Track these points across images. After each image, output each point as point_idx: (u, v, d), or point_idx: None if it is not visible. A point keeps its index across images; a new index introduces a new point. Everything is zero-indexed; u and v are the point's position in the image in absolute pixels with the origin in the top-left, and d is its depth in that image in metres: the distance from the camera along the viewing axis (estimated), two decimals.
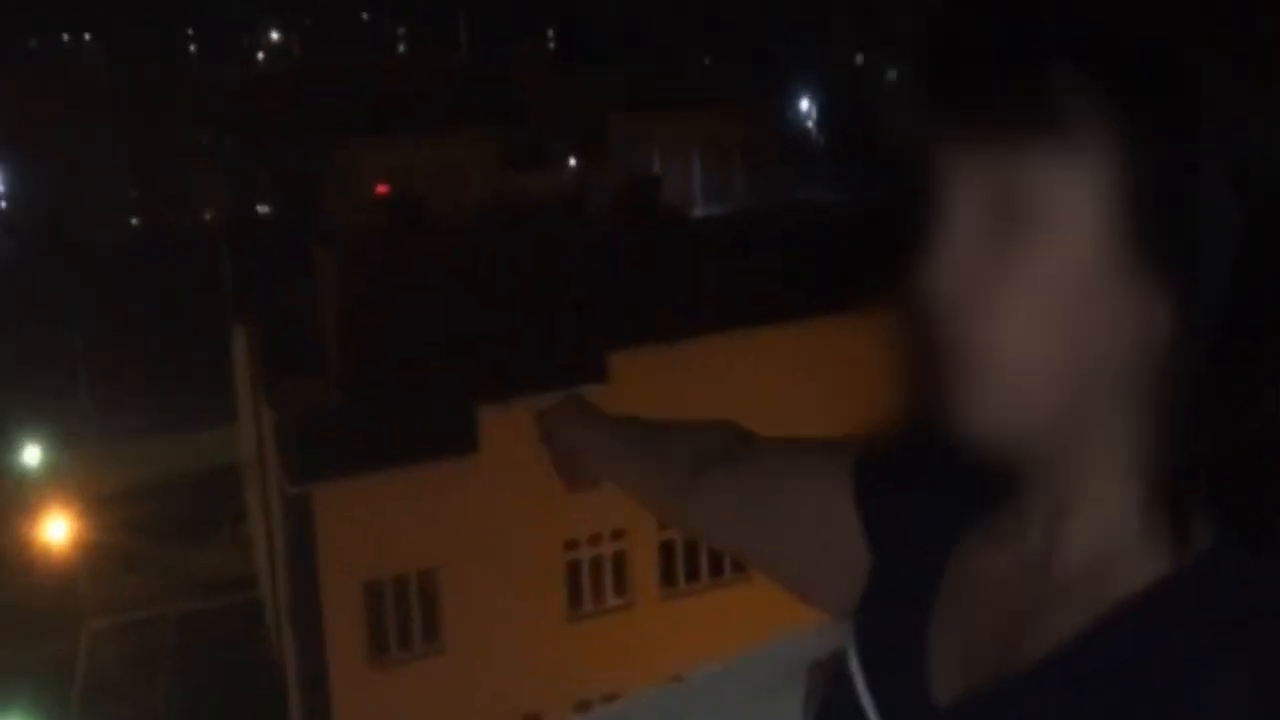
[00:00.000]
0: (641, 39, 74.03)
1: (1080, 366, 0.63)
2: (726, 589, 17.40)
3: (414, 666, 15.84)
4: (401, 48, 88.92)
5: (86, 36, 78.93)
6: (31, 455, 33.24)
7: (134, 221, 57.08)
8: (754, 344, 17.69)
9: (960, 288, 0.65)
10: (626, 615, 16.80)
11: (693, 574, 17.28)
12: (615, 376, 17.04)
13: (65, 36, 79.57)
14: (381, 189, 47.08)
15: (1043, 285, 0.63)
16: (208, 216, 54.05)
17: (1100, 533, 0.66)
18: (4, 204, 59.66)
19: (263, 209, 53.41)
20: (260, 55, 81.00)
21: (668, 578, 17.20)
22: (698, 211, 42.90)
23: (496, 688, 15.96)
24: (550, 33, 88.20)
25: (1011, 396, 0.65)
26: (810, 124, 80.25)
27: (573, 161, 48.79)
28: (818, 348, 17.83)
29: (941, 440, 0.68)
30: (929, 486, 0.78)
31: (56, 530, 28.64)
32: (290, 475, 15.94)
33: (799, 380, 17.55)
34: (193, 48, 79.03)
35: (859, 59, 79.28)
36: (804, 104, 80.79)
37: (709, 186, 48.08)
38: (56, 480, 30.91)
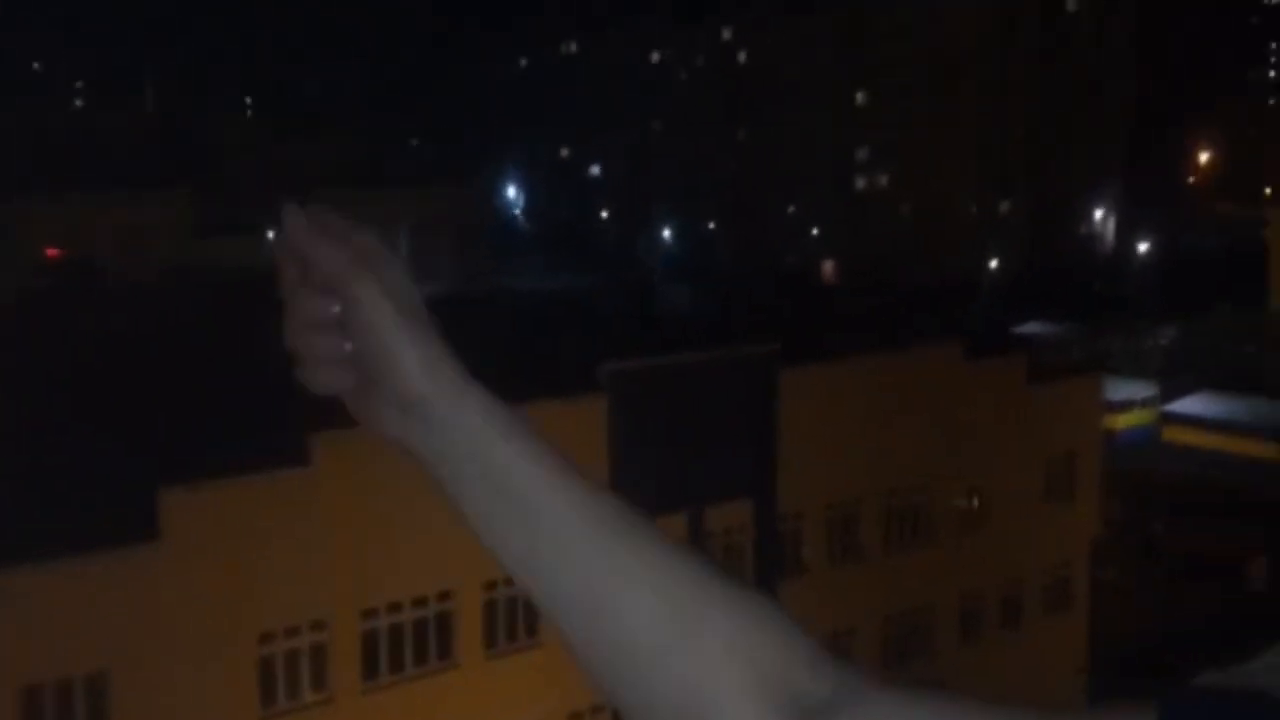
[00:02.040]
0: (350, 114, 72.93)
1: None
2: (431, 679, 16.85)
3: None
4: (79, 102, 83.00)
5: None
6: None
7: None
8: None
9: None
10: (325, 712, 15.85)
11: (396, 665, 16.62)
12: (317, 460, 16.31)
13: None
14: (52, 252, 43.17)
15: None
16: None
17: None
18: None
19: None
20: None
21: (370, 670, 16.44)
22: None
23: None
24: (249, 100, 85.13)
25: None
26: (517, 212, 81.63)
27: (271, 234, 46.88)
28: None
29: None
30: None
31: None
32: None
33: None
34: None
35: (564, 152, 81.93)
36: (511, 191, 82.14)
37: (417, 267, 47.48)
38: None
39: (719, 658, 0.72)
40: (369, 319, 0.80)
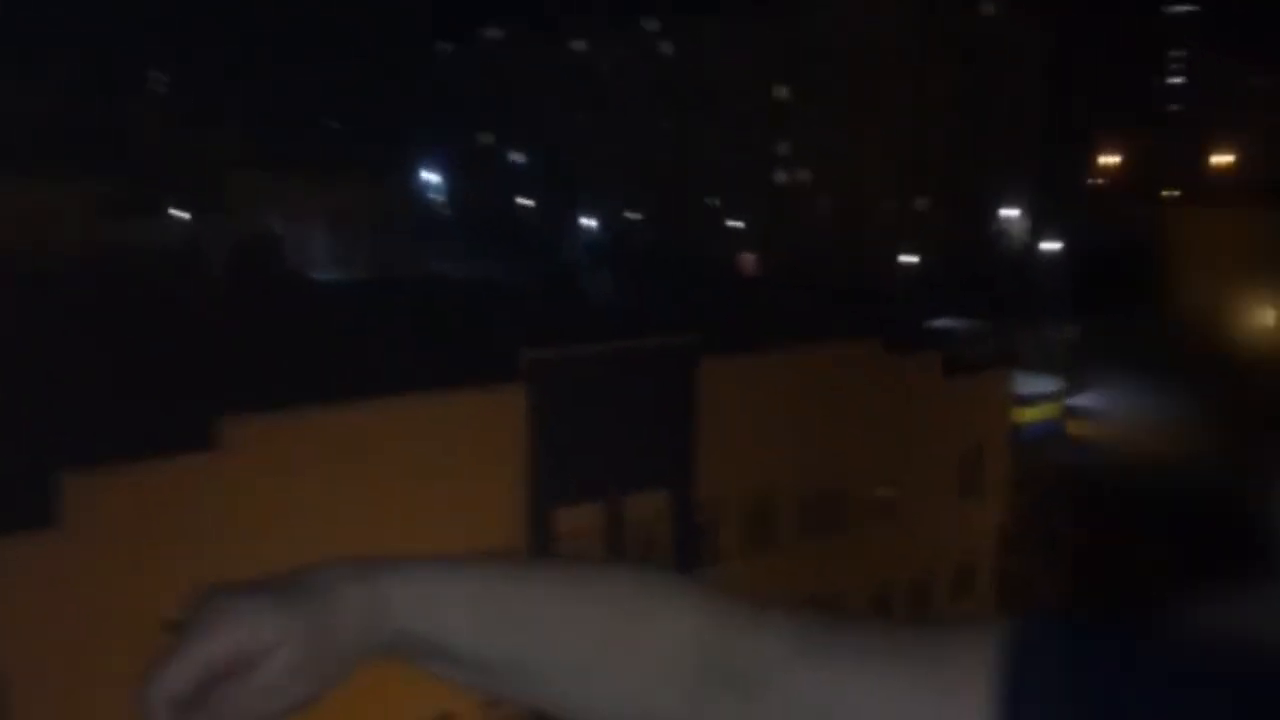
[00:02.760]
0: (265, 96, 71.36)
1: None
2: None
3: None
4: None
5: None
6: None
7: None
8: (378, 415, 17.23)
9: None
10: None
11: None
12: (224, 444, 15.92)
13: None
14: None
15: None
16: None
17: None
18: None
19: None
20: None
21: None
22: (321, 276, 41.62)
23: None
24: (155, 77, 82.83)
25: None
26: (439, 198, 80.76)
27: (185, 215, 45.79)
28: (446, 420, 17.71)
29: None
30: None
31: None
32: None
33: (425, 455, 17.30)
34: None
35: (486, 139, 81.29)
36: (432, 177, 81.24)
37: (334, 251, 46.86)
38: None
39: (622, 631, 0.73)
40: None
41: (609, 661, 0.73)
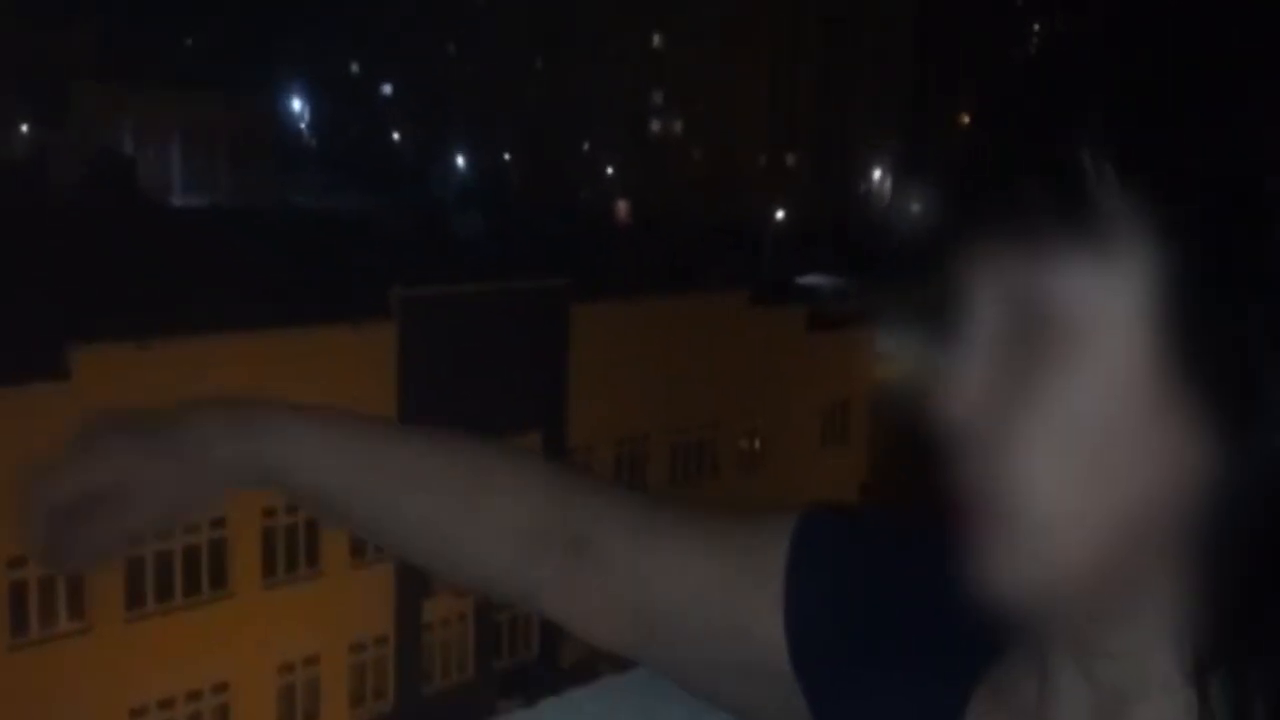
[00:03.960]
0: (119, 3, 67.15)
1: (1121, 511, 0.54)
2: (203, 609, 16.17)
3: None
4: None
5: None
6: None
7: None
8: (238, 349, 16.67)
9: (979, 416, 0.57)
10: (82, 641, 14.92)
11: (165, 594, 15.81)
12: (79, 374, 15.20)
13: None
14: None
15: (1074, 412, 0.54)
16: None
17: None
18: None
19: None
20: None
21: (134, 598, 15.57)
22: (178, 201, 39.70)
23: None
24: None
25: (1041, 546, 0.55)
26: (304, 126, 77.86)
27: (25, 128, 42.89)
28: (313, 356, 17.26)
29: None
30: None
31: None
32: None
33: (291, 391, 16.80)
34: None
35: (355, 68, 78.56)
36: (297, 104, 78.21)
37: (191, 176, 44.67)
38: None
39: (470, 495, 0.80)
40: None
41: (454, 522, 0.80)
